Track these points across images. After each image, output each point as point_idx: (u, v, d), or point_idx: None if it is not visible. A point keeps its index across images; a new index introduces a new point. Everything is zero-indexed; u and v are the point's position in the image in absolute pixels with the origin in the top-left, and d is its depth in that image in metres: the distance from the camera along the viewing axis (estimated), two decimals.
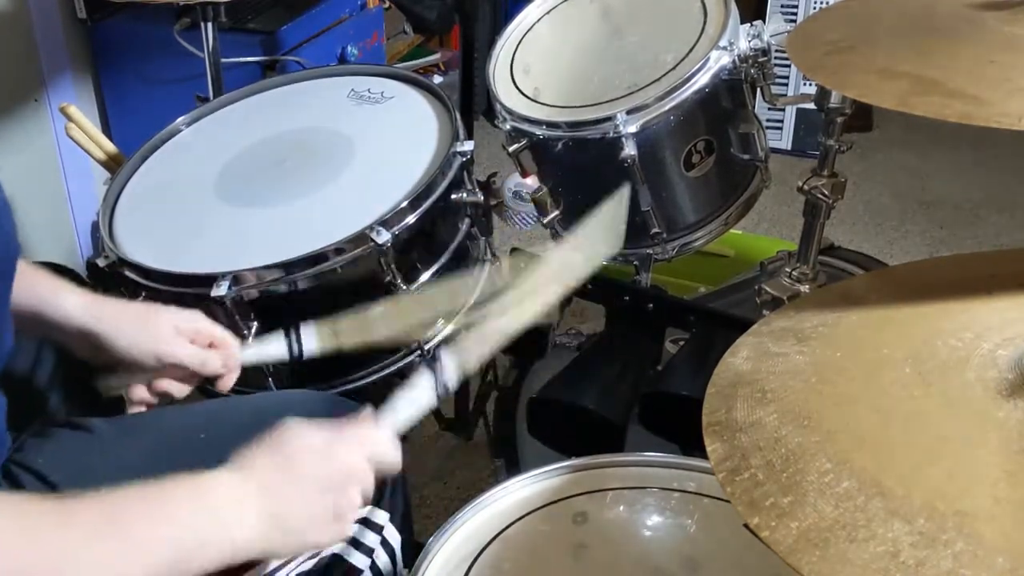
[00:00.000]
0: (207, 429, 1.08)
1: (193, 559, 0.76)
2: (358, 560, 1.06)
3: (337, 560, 1.06)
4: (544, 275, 1.07)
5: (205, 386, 1.27)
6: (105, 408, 1.14)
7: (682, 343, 1.47)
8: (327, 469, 0.84)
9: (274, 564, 0.98)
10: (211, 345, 1.11)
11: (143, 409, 1.11)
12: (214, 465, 0.80)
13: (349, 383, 1.34)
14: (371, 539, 1.07)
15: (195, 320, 1.11)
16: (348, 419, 0.90)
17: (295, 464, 0.83)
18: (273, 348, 1.17)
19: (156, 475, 0.77)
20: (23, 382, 1.12)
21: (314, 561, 1.04)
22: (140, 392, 1.09)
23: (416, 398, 0.96)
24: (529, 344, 1.49)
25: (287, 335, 1.17)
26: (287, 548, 0.84)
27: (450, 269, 1.37)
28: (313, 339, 1.17)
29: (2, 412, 0.95)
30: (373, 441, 0.89)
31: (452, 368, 0.98)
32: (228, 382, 1.13)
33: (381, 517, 1.09)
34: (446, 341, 1.33)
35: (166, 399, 1.10)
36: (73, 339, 1.06)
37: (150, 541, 0.74)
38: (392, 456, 0.90)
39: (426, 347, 1.35)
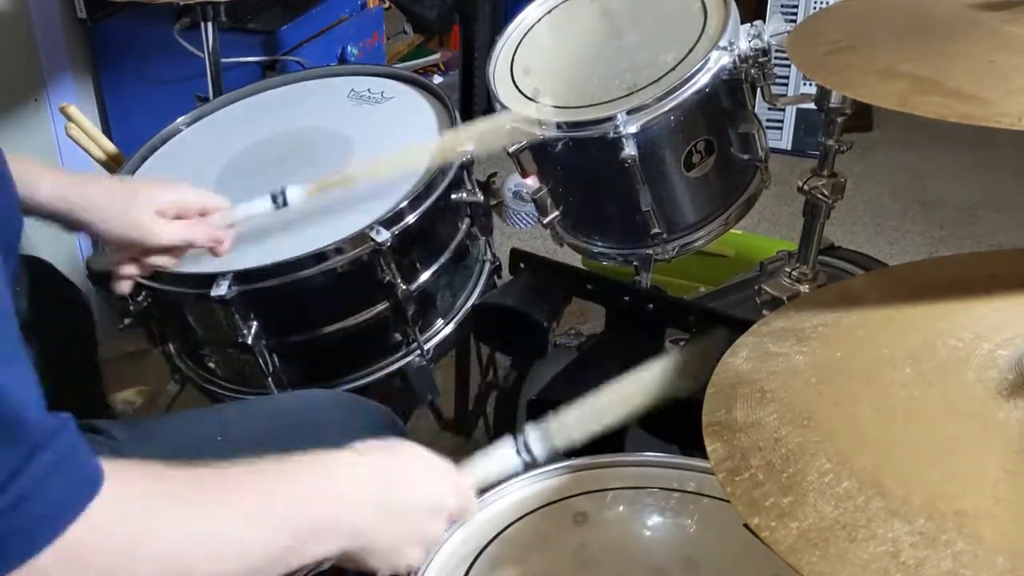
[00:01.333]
0: (224, 432, 1.07)
1: (307, 538, 0.74)
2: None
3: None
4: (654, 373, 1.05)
5: (209, 386, 1.26)
6: (95, 412, 1.13)
7: (682, 343, 1.46)
8: (432, 494, 0.85)
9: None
10: (202, 213, 1.09)
11: (129, 284, 1.09)
12: None
13: (350, 382, 1.34)
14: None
15: (178, 195, 1.08)
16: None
17: (411, 475, 0.84)
18: (259, 207, 1.15)
19: None
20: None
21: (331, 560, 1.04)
22: (128, 268, 1.08)
23: (499, 465, 0.95)
24: (529, 344, 1.49)
25: (272, 195, 1.15)
26: (386, 552, 0.82)
27: (450, 269, 1.38)
28: (297, 193, 1.15)
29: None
30: (463, 485, 0.90)
31: (539, 443, 0.96)
32: (223, 248, 1.11)
33: None
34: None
35: (147, 271, 1.10)
36: (55, 219, 1.04)
37: (272, 512, 0.72)
38: (473, 506, 0.91)
39: (426, 347, 1.35)
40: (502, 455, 0.95)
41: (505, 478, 0.95)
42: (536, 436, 0.95)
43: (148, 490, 0.68)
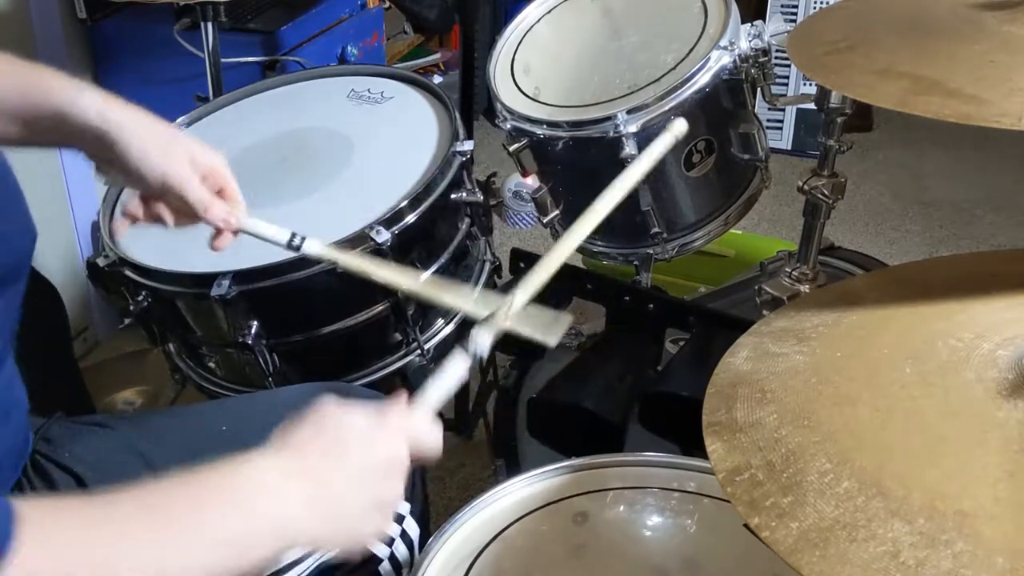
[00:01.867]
0: (228, 424, 1.07)
1: (242, 550, 0.72)
2: (378, 549, 1.05)
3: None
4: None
5: (209, 386, 1.26)
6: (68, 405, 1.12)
7: (682, 343, 1.46)
8: (372, 456, 0.80)
9: (297, 554, 0.97)
10: (220, 193, 1.06)
11: (127, 222, 1.06)
12: None
13: (350, 382, 1.34)
14: (392, 529, 1.06)
15: (213, 160, 1.05)
16: (384, 403, 0.84)
17: (340, 449, 0.79)
18: (275, 232, 1.10)
19: (183, 471, 0.73)
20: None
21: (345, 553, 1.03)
22: (133, 205, 1.05)
23: (448, 374, 0.92)
24: (529, 344, 1.49)
25: (292, 233, 1.11)
26: (335, 537, 0.79)
27: (450, 268, 1.38)
28: (315, 245, 1.13)
29: (24, 407, 0.94)
30: (413, 426, 0.84)
31: (484, 336, 0.93)
32: (223, 242, 1.06)
33: (403, 508, 1.08)
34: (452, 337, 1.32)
35: (156, 221, 1.05)
36: (87, 140, 1.00)
37: (194, 533, 0.70)
38: (432, 441, 0.85)
39: (426, 347, 1.35)
40: (450, 366, 0.92)
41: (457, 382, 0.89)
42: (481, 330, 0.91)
43: (58, 539, 0.65)
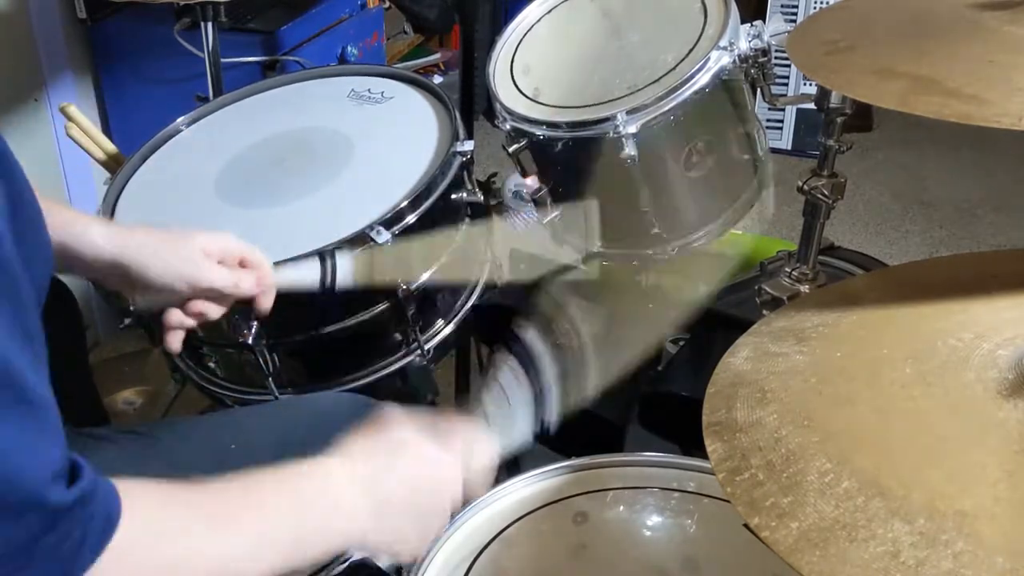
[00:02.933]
0: (235, 437, 1.07)
1: (311, 543, 0.76)
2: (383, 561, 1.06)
3: (362, 565, 1.06)
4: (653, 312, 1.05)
5: (209, 386, 1.25)
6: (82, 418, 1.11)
7: (682, 343, 1.46)
8: (430, 479, 0.84)
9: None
10: (242, 264, 1.08)
11: (180, 334, 1.08)
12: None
13: (350, 382, 1.34)
14: None
15: (224, 241, 1.07)
16: (453, 423, 0.88)
17: (403, 465, 0.82)
18: (306, 273, 1.14)
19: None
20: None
21: (344, 566, 1.04)
22: (175, 316, 1.06)
23: (519, 423, 0.94)
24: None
25: (322, 262, 1.14)
26: (382, 543, 0.82)
27: (450, 269, 1.38)
28: (348, 270, 1.14)
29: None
30: (472, 457, 0.88)
31: (554, 404, 0.96)
32: (266, 302, 1.09)
33: None
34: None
35: (202, 320, 1.07)
36: (102, 271, 1.02)
37: (273, 523, 0.74)
38: (485, 478, 0.89)
39: (426, 347, 1.35)
40: (520, 417, 0.93)
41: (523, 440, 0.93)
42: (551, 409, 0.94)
43: (159, 520, 0.69)
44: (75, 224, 1.01)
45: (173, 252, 1.03)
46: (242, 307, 1.10)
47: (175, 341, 1.08)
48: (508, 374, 0.95)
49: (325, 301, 1.27)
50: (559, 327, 1.07)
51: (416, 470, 0.83)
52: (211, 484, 0.73)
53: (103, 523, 0.64)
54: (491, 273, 1.48)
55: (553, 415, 0.94)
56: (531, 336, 0.96)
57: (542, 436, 0.94)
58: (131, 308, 1.10)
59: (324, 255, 1.16)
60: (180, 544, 0.69)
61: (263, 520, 0.74)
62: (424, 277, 1.32)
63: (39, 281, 0.84)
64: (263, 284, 1.08)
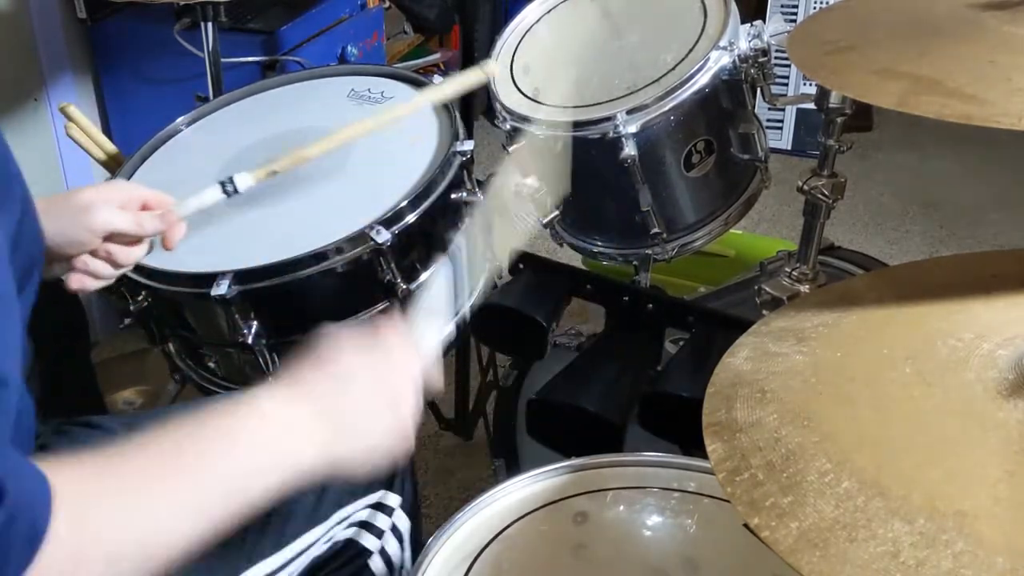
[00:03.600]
0: None
1: (255, 482, 0.74)
2: (369, 542, 1.06)
3: (349, 543, 1.06)
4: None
5: (209, 386, 1.25)
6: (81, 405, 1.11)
7: (682, 343, 1.46)
8: (380, 373, 0.82)
9: (292, 550, 0.98)
10: (144, 208, 1.08)
11: (85, 278, 1.06)
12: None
13: None
14: (382, 521, 1.07)
15: (117, 187, 1.08)
16: (383, 326, 0.87)
17: (346, 374, 0.81)
18: (208, 194, 1.13)
19: None
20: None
21: (328, 545, 1.04)
22: (81, 258, 1.05)
23: (439, 297, 0.93)
24: (529, 344, 1.49)
25: (221, 182, 1.13)
26: (356, 453, 0.80)
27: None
28: (247, 177, 1.14)
29: (31, 416, 0.94)
30: (413, 347, 0.87)
31: (468, 262, 0.94)
32: (173, 238, 1.09)
33: (393, 500, 1.08)
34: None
35: (112, 261, 1.07)
36: None
37: (209, 471, 0.72)
38: (434, 362, 0.87)
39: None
40: (439, 292, 0.93)
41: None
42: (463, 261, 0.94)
43: (93, 490, 0.68)
44: None
45: (64, 208, 1.02)
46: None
47: (75, 280, 1.06)
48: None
49: (325, 300, 1.27)
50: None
51: (363, 371, 0.82)
52: (139, 442, 0.72)
53: (27, 534, 0.62)
54: (491, 273, 1.48)
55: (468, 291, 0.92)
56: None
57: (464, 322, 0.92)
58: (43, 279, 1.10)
59: (223, 180, 1.15)
60: (114, 512, 0.68)
61: (198, 468, 0.72)
62: (423, 278, 1.32)
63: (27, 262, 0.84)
64: (167, 220, 1.08)
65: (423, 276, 1.32)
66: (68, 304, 1.44)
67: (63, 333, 1.48)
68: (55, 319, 0.98)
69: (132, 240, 1.07)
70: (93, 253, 1.06)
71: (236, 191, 1.13)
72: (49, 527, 0.63)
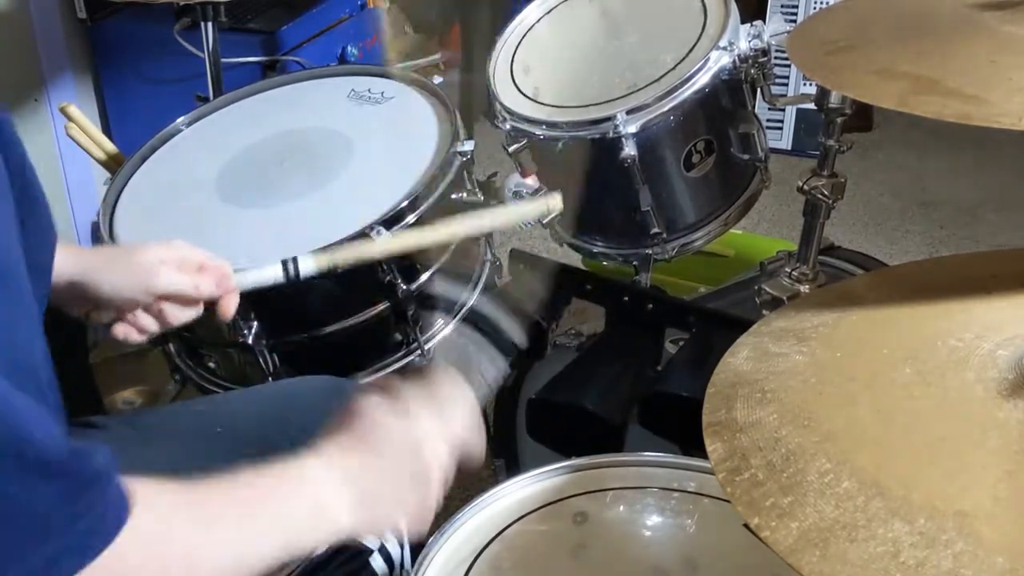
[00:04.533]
0: (223, 422, 1.07)
1: (303, 536, 0.77)
2: (369, 540, 1.06)
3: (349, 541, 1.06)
4: None
5: (209, 386, 1.25)
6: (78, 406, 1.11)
7: (682, 343, 1.46)
8: (407, 448, 0.84)
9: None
10: (200, 270, 1.08)
11: (131, 329, 1.07)
12: (236, 458, 0.79)
13: None
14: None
15: (179, 249, 1.08)
16: (430, 386, 0.88)
17: (375, 445, 0.83)
18: (269, 271, 1.14)
19: (184, 471, 0.76)
20: None
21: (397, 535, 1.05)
22: (138, 318, 1.06)
23: (487, 367, 0.94)
24: (529, 344, 1.49)
25: (283, 263, 1.14)
26: (375, 528, 0.84)
27: (450, 269, 1.38)
28: (310, 262, 1.15)
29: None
30: (458, 416, 0.88)
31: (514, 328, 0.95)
32: (228, 306, 1.09)
33: None
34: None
35: (163, 320, 1.07)
36: (62, 295, 1.02)
37: (269, 527, 0.75)
38: (477, 442, 0.89)
39: (426, 347, 1.35)
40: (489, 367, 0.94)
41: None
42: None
43: (170, 513, 0.70)
44: None
45: (125, 264, 1.04)
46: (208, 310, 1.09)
47: (121, 331, 1.07)
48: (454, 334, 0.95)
49: (325, 301, 1.27)
50: None
51: (393, 448, 0.84)
52: (215, 480, 0.74)
53: (117, 509, 0.64)
54: (491, 273, 1.48)
55: (519, 336, 0.94)
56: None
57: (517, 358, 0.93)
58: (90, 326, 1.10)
59: (284, 261, 1.16)
60: (187, 541, 0.70)
61: (262, 515, 0.75)
62: (423, 278, 1.32)
63: (42, 265, 0.84)
64: (224, 287, 1.08)
65: (423, 276, 1.32)
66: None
67: (60, 335, 1.48)
68: (51, 321, 0.98)
69: (186, 301, 1.07)
70: (145, 309, 1.06)
71: (297, 274, 1.13)
72: (124, 528, 0.64)
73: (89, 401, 1.65)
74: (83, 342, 1.65)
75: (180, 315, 1.08)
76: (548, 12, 1.56)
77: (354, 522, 0.80)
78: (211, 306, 1.09)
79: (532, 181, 1.53)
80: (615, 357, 1.48)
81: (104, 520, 0.63)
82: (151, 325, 1.07)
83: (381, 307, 1.30)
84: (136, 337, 1.08)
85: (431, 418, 0.87)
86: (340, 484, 0.80)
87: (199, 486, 0.73)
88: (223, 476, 0.75)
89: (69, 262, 1.02)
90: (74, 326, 1.59)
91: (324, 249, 1.17)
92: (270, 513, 0.76)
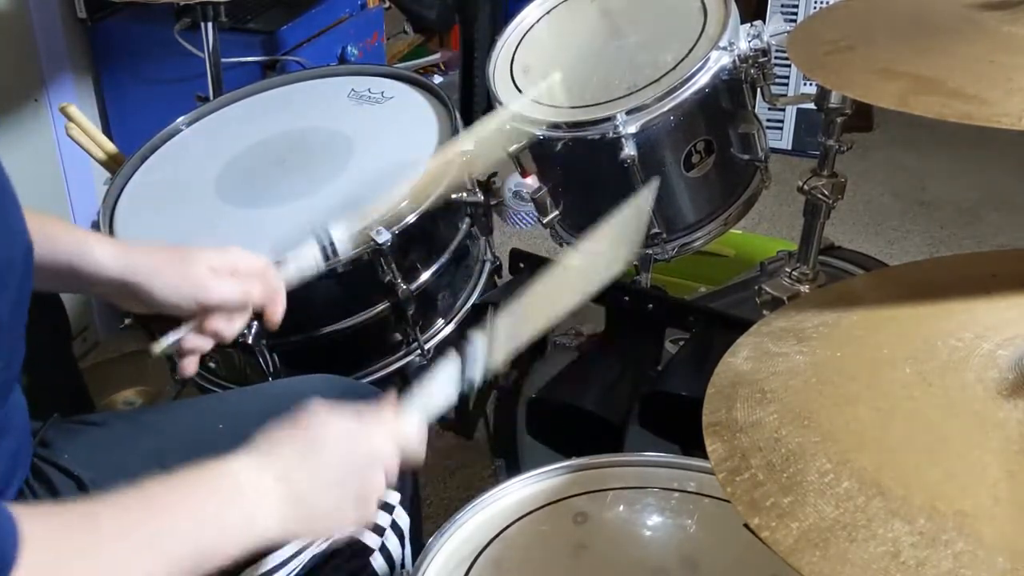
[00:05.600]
0: (224, 419, 1.07)
1: (216, 548, 0.75)
2: (370, 540, 1.06)
3: (350, 540, 1.05)
4: (566, 279, 1.05)
5: (209, 386, 1.25)
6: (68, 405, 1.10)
7: (682, 343, 1.46)
8: (351, 453, 0.83)
9: (291, 548, 0.98)
10: (251, 276, 1.07)
11: (195, 360, 1.06)
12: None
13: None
14: (383, 518, 1.07)
15: (231, 255, 1.06)
16: (372, 405, 0.88)
17: (318, 448, 0.82)
18: (308, 259, 1.13)
19: (180, 467, 0.76)
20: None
21: (329, 542, 1.04)
22: (192, 341, 1.05)
23: (441, 387, 0.94)
24: (529, 344, 1.49)
25: (319, 241, 1.14)
26: (311, 532, 0.83)
27: (450, 268, 1.38)
28: (344, 237, 1.15)
29: (25, 414, 0.94)
30: (399, 427, 0.88)
31: (479, 360, 0.95)
32: (276, 313, 1.07)
33: (393, 497, 1.08)
34: (454, 341, 1.33)
35: (218, 339, 1.06)
36: (109, 290, 1.02)
37: (173, 535, 0.74)
38: (417, 444, 0.89)
39: (426, 347, 1.35)
40: (442, 383, 0.93)
41: (448, 403, 0.93)
42: (479, 367, 0.94)
43: (58, 544, 0.68)
44: (81, 244, 1.00)
45: (178, 271, 1.02)
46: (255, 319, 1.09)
47: (191, 366, 1.06)
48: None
49: (325, 301, 1.27)
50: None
51: (334, 450, 0.83)
52: (110, 500, 0.73)
53: (4, 546, 0.63)
54: (491, 273, 1.48)
55: (477, 372, 0.94)
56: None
57: (466, 395, 0.94)
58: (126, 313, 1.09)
59: (318, 237, 1.16)
60: (79, 568, 0.69)
61: (163, 532, 0.74)
62: (424, 278, 1.33)
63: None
64: (271, 289, 1.07)
65: (424, 276, 1.32)
66: (47, 302, 1.43)
67: (43, 331, 1.48)
68: (33, 317, 0.97)
69: (235, 311, 1.06)
70: (199, 330, 1.05)
71: (335, 253, 1.14)
72: (15, 567, 0.63)
73: (77, 398, 1.64)
74: (66, 337, 1.64)
75: (231, 328, 1.06)
76: (548, 12, 1.56)
77: (291, 523, 0.79)
78: (257, 316, 1.08)
79: (532, 181, 1.53)
80: (615, 357, 1.48)
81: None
82: (207, 345, 1.06)
83: (382, 307, 1.30)
84: (195, 367, 1.07)
85: (373, 419, 0.86)
86: (271, 484, 0.79)
87: (95, 503, 0.72)
88: (129, 489, 0.74)
89: (121, 260, 1.01)
90: (57, 321, 1.58)
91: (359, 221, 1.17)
92: (176, 523, 0.75)
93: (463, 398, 0.95)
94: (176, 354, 1.06)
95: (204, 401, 1.15)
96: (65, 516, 0.71)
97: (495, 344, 0.96)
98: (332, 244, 1.15)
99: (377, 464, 0.85)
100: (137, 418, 1.08)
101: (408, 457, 0.88)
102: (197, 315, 1.04)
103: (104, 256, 1.00)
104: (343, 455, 0.83)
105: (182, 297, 1.02)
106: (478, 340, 0.96)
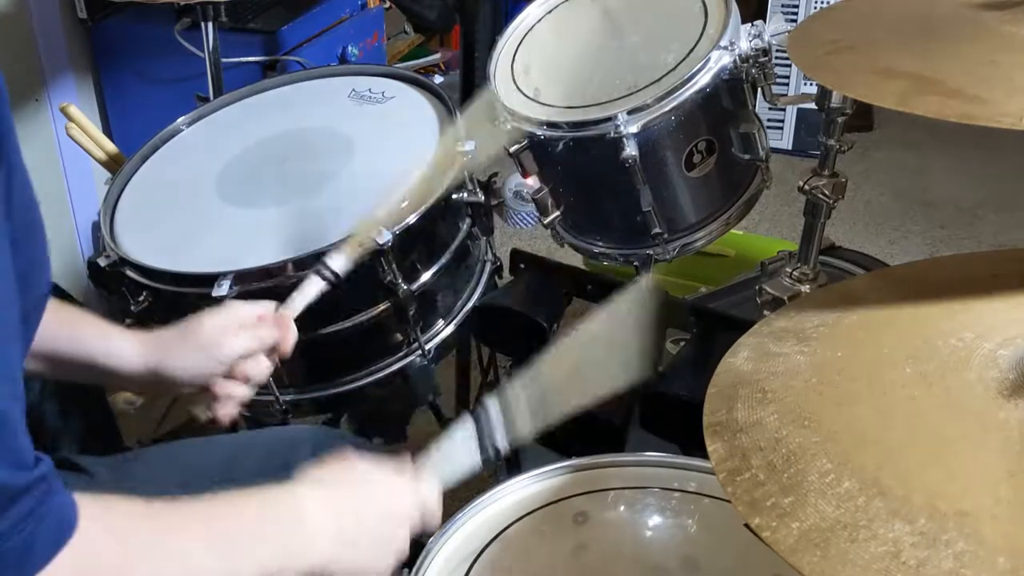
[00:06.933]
0: (213, 468, 1.08)
1: (271, 566, 0.77)
2: None
3: None
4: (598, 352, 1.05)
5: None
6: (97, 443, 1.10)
7: (682, 343, 1.46)
8: (393, 506, 0.87)
9: None
10: (258, 321, 1.09)
11: (233, 406, 1.07)
12: None
13: (350, 382, 1.34)
14: None
15: (233, 312, 1.08)
16: (397, 465, 0.90)
17: (363, 488, 0.85)
18: (312, 288, 1.16)
19: None
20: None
21: None
22: (222, 385, 1.06)
23: (458, 453, 0.95)
24: (529, 344, 1.49)
25: (317, 271, 1.16)
26: (348, 568, 0.84)
27: (451, 269, 1.38)
28: (342, 259, 1.16)
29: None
30: (423, 492, 0.90)
31: (499, 427, 0.96)
32: (288, 344, 1.09)
33: None
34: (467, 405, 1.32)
35: (256, 382, 1.08)
36: (139, 382, 1.05)
37: (235, 543, 0.75)
38: (436, 515, 0.91)
39: (427, 347, 1.35)
40: (458, 448, 0.95)
41: (470, 469, 0.95)
42: (500, 434, 0.95)
43: (121, 528, 0.69)
44: (97, 337, 1.03)
45: (193, 345, 1.04)
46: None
47: (225, 414, 1.07)
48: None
49: (326, 301, 1.27)
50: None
51: (377, 498, 0.86)
52: (180, 503, 0.74)
53: (56, 523, 0.63)
54: (492, 273, 1.48)
55: (500, 438, 0.95)
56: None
57: (493, 460, 0.95)
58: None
59: (316, 268, 1.16)
60: (140, 559, 0.69)
61: (230, 540, 0.75)
62: (424, 278, 1.32)
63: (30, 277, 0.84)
64: (282, 325, 1.09)
65: (424, 276, 1.32)
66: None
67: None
68: None
69: (257, 356, 1.08)
70: (227, 376, 1.06)
71: (337, 277, 1.16)
72: (77, 523, 0.64)
73: (108, 437, 1.64)
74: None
75: (260, 369, 1.08)
76: (549, 12, 1.55)
77: (333, 557, 0.81)
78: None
79: (533, 181, 1.53)
80: None
81: (36, 538, 0.62)
82: (241, 389, 1.07)
83: (382, 307, 1.30)
84: (235, 411, 1.08)
85: (404, 477, 0.89)
86: (329, 515, 0.81)
87: (163, 504, 0.73)
88: (195, 499, 0.75)
89: (140, 349, 1.04)
90: None
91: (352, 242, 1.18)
92: (243, 534, 0.76)
93: (489, 464, 0.96)
94: (209, 406, 1.08)
95: (193, 446, 1.16)
96: (132, 507, 0.72)
97: (517, 415, 0.96)
98: (333, 272, 1.16)
99: (407, 521, 0.87)
100: (118, 466, 1.08)
101: (427, 521, 0.91)
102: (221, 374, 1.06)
103: (126, 350, 1.04)
104: (383, 505, 0.86)
105: (205, 368, 1.05)
106: (492, 406, 0.97)
